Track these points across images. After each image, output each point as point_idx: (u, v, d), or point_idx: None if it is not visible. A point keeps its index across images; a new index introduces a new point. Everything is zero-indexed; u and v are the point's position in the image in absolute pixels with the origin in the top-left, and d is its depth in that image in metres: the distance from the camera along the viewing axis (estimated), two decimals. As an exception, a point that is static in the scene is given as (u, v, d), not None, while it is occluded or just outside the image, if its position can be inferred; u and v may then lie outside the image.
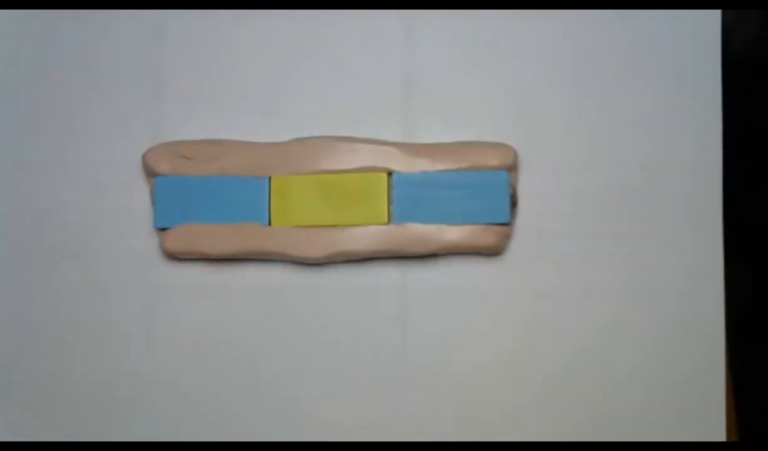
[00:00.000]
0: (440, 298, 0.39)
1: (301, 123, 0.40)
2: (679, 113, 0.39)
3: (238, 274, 0.40)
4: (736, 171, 0.40)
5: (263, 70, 0.40)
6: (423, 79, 0.40)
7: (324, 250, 0.39)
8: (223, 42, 0.40)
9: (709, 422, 0.38)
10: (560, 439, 0.38)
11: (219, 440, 0.39)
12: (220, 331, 0.39)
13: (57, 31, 0.41)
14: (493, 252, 0.39)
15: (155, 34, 0.41)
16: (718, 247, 0.39)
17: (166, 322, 0.40)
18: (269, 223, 0.39)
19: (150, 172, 0.39)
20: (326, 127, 0.40)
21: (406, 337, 0.39)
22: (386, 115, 0.40)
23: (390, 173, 0.39)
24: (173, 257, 0.39)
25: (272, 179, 0.39)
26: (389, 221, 0.39)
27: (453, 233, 0.38)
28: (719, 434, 0.38)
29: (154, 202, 0.39)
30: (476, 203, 0.38)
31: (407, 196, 0.39)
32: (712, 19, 0.40)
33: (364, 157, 0.39)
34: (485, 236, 0.38)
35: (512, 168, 0.39)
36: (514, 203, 0.39)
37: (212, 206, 0.39)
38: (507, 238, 0.39)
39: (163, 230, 0.39)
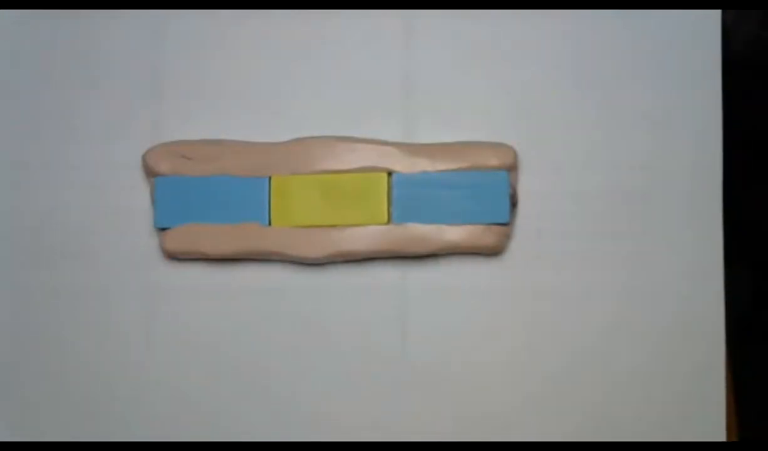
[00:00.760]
0: (440, 298, 0.39)
1: (301, 123, 0.40)
2: (679, 113, 0.39)
3: (238, 274, 0.40)
4: (736, 171, 0.40)
5: (263, 70, 0.40)
6: (423, 79, 0.40)
7: (324, 250, 0.39)
8: (223, 42, 0.40)
9: (709, 422, 0.38)
10: (560, 439, 0.38)
11: (219, 440, 0.39)
12: (220, 331, 0.39)
13: (57, 31, 0.41)
14: (493, 252, 0.39)
15: (155, 34, 0.41)
16: (718, 247, 0.39)
17: (166, 322, 0.40)
18: (269, 224, 0.39)
19: (150, 172, 0.39)
20: (326, 127, 0.40)
21: (406, 337, 0.39)
22: (386, 115, 0.40)
23: (390, 173, 0.39)
24: (173, 257, 0.39)
25: (272, 179, 0.39)
26: (389, 221, 0.39)
27: (453, 233, 0.38)
28: (719, 434, 0.38)
29: (154, 202, 0.39)
30: (476, 203, 0.38)
31: (407, 196, 0.39)
32: (712, 19, 0.39)
33: (364, 157, 0.39)
34: (485, 236, 0.38)
35: (512, 168, 0.39)
36: (514, 203, 0.39)
37: (212, 206, 0.39)
38: (507, 238, 0.39)
39: (163, 229, 0.39)
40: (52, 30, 0.41)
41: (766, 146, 0.46)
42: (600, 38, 0.40)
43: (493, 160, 0.39)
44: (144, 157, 0.39)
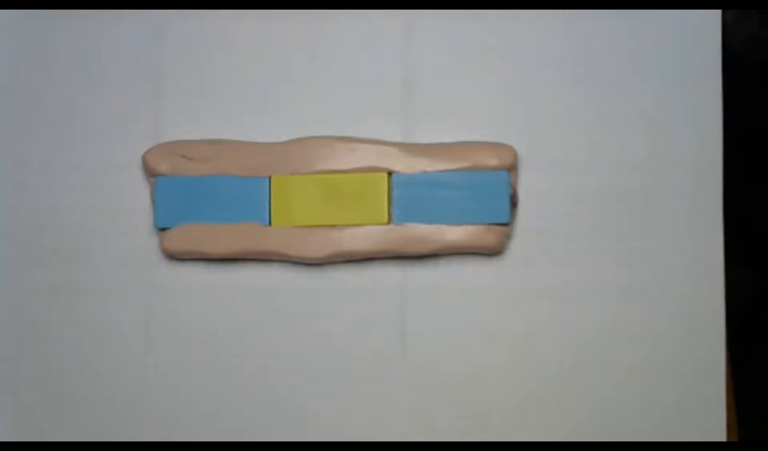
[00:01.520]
0: (440, 298, 0.39)
1: (301, 123, 0.40)
2: (679, 113, 0.39)
3: (238, 274, 0.40)
4: (736, 171, 0.40)
5: (263, 70, 0.40)
6: (423, 79, 0.40)
7: (324, 250, 0.39)
8: (223, 42, 0.40)
9: (709, 422, 0.38)
10: (560, 439, 0.38)
11: (219, 440, 0.39)
12: (220, 331, 0.39)
13: (57, 31, 0.41)
14: (493, 252, 0.39)
15: (155, 34, 0.40)
16: (718, 246, 0.39)
17: (166, 322, 0.40)
18: (269, 224, 0.39)
19: (150, 172, 0.39)
20: (326, 127, 0.40)
21: (406, 337, 0.39)
22: (386, 115, 0.40)
23: (390, 173, 0.39)
24: (173, 256, 0.39)
25: (272, 179, 0.39)
26: (389, 221, 0.39)
27: (453, 233, 0.38)
28: (719, 434, 0.38)
29: (154, 202, 0.39)
30: (476, 203, 0.38)
31: (407, 197, 0.39)
32: (712, 19, 0.39)
33: (364, 157, 0.39)
34: (485, 236, 0.38)
35: (512, 168, 0.39)
36: (514, 203, 0.39)
37: (212, 206, 0.39)
38: (507, 238, 0.39)
39: (163, 229, 0.39)
40: (51, 30, 0.41)
41: (766, 146, 0.46)
42: (600, 38, 0.40)
43: (493, 160, 0.39)
44: (144, 157, 0.39)
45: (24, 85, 0.41)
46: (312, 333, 0.39)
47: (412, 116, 0.40)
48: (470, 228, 0.38)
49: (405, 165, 0.39)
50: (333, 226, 0.39)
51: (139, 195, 0.40)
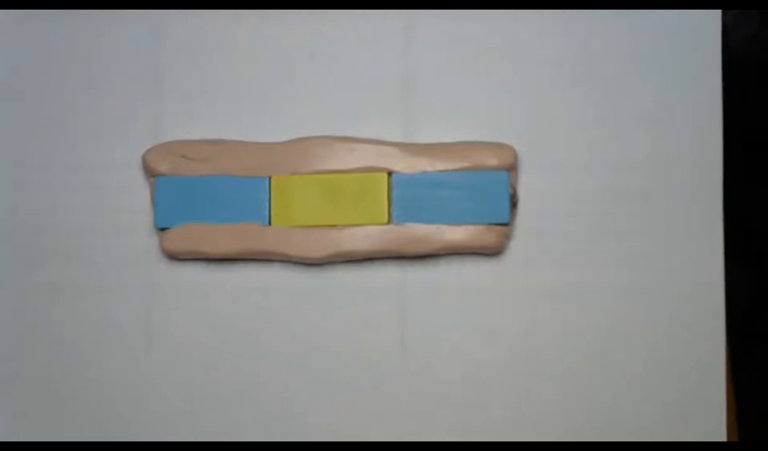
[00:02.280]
0: (440, 298, 0.39)
1: (301, 123, 0.40)
2: (680, 113, 0.39)
3: (238, 274, 0.40)
4: (736, 171, 0.40)
5: (263, 70, 0.40)
6: (423, 79, 0.40)
7: (324, 250, 0.39)
8: (223, 42, 0.40)
9: (709, 422, 0.38)
10: (560, 439, 0.38)
11: (219, 440, 0.39)
12: (220, 331, 0.39)
13: (56, 31, 0.41)
14: (493, 252, 0.39)
15: (155, 34, 0.41)
16: (718, 246, 0.39)
17: (166, 322, 0.40)
18: (269, 223, 0.39)
19: (150, 172, 0.39)
20: (326, 127, 0.40)
21: (406, 337, 0.39)
22: (386, 115, 0.40)
23: (390, 173, 0.39)
24: (173, 256, 0.39)
25: (272, 179, 0.39)
26: (389, 221, 0.39)
27: (453, 233, 0.38)
28: (719, 434, 0.38)
29: (154, 202, 0.39)
30: (476, 203, 0.38)
31: (407, 197, 0.39)
32: (712, 19, 0.39)
33: (364, 157, 0.39)
34: (485, 236, 0.38)
35: (512, 168, 0.39)
36: (514, 203, 0.39)
37: (212, 206, 0.39)
38: (507, 238, 0.39)
39: (163, 229, 0.39)
40: (51, 30, 0.41)
41: (766, 146, 0.46)
42: (600, 38, 0.40)
43: (493, 160, 0.39)
44: (144, 157, 0.39)
45: (24, 85, 0.41)
46: (312, 333, 0.39)
47: (412, 116, 0.40)
48: (470, 228, 0.38)
49: (405, 165, 0.39)
50: (333, 226, 0.39)
51: (139, 195, 0.40)
